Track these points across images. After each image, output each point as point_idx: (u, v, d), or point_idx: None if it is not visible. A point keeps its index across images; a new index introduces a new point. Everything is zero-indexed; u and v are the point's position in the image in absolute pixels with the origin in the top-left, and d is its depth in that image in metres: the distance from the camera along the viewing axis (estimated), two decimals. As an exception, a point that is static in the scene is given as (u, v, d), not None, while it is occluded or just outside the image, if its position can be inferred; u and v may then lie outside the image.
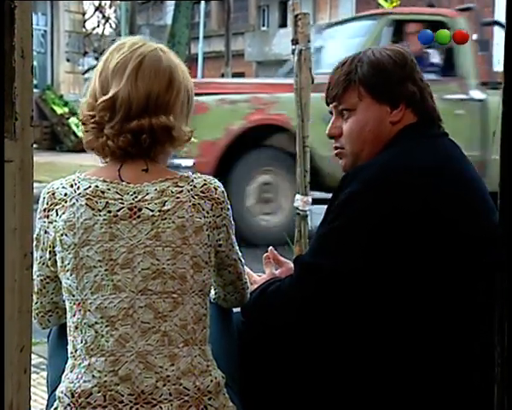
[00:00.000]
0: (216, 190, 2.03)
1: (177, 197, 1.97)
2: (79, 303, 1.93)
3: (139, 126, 1.98)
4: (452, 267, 1.98)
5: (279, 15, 42.96)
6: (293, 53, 4.48)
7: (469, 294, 1.99)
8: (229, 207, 2.07)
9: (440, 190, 2.01)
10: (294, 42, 4.47)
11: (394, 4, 26.17)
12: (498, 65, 33.08)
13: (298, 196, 4.49)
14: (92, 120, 2.00)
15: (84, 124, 2.03)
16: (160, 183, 1.98)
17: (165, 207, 1.95)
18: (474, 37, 20.50)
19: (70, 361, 1.96)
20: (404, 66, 2.18)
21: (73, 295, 1.94)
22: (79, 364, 1.92)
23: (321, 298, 2.00)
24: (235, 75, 28.67)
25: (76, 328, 1.94)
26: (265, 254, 2.46)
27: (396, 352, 2.00)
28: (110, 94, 1.99)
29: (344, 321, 2.03)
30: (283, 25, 42.56)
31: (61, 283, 1.98)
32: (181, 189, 1.98)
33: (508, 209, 1.46)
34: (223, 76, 23.00)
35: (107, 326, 1.90)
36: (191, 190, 1.99)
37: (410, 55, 2.22)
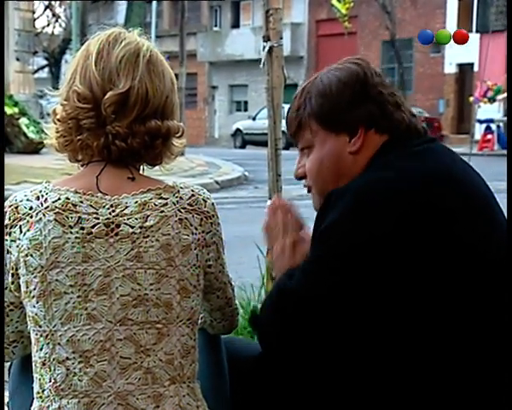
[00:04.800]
0: (205, 202, 1.80)
1: (162, 211, 1.73)
2: (47, 335, 1.70)
3: (156, 129, 1.76)
4: (446, 284, 1.79)
5: (231, 16, 43.01)
6: (263, 50, 4.23)
7: (467, 313, 1.81)
8: (220, 221, 1.82)
9: (427, 202, 1.81)
10: (266, 38, 4.23)
11: (347, 6, 26.34)
12: (450, 66, 33.28)
13: (269, 202, 4.24)
14: (89, 114, 1.74)
15: (71, 119, 1.76)
16: (141, 194, 1.73)
17: (148, 223, 1.71)
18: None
19: (36, 403, 1.73)
20: (354, 85, 1.97)
21: (40, 326, 1.70)
22: (48, 406, 1.70)
23: (297, 326, 1.83)
24: (187, 76, 28.42)
25: (43, 364, 1.71)
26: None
27: (384, 382, 1.81)
28: (123, 87, 1.74)
29: (324, 351, 1.85)
30: (236, 25, 42.62)
31: None
32: (165, 201, 1.74)
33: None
34: (177, 76, 22.79)
35: (80, 363, 1.68)
36: (177, 202, 1.75)
37: (363, 69, 1.99)
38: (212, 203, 1.81)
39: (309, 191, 2.09)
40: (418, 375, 1.78)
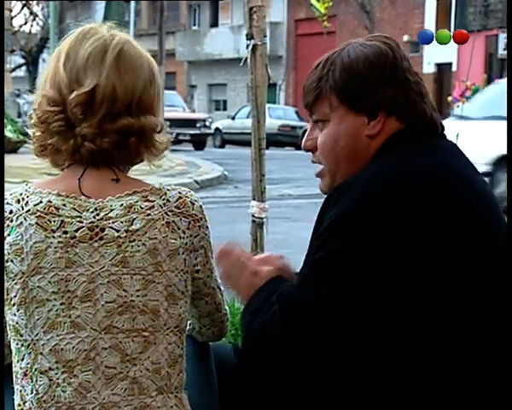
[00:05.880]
0: (193, 204, 1.73)
1: (148, 214, 1.66)
2: (29, 345, 1.62)
3: (128, 126, 1.68)
4: (463, 285, 1.73)
5: (210, 15, 42.96)
6: (247, 48, 4.17)
7: (478, 315, 1.76)
8: (208, 225, 1.75)
9: (444, 199, 1.76)
10: (249, 36, 4.17)
11: (326, 5, 26.33)
12: (428, 66, 33.41)
13: (253, 203, 4.19)
14: (58, 117, 1.67)
15: (42, 123, 1.69)
16: (126, 197, 1.66)
17: (134, 227, 1.64)
18: (405, 38, 20.64)
19: None
20: (384, 66, 1.89)
21: (21, 335, 1.63)
22: None
23: (303, 338, 1.72)
24: (166, 75, 28.33)
25: (25, 375, 1.63)
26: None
27: (395, 396, 1.73)
28: (89, 86, 1.66)
29: (331, 366, 1.75)
30: (215, 24, 42.55)
31: None
32: (152, 204, 1.67)
33: None
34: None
35: (63, 373, 1.61)
36: (164, 205, 1.68)
37: (392, 51, 1.91)
38: (200, 206, 1.75)
39: (317, 176, 2.00)
40: (436, 380, 1.71)
